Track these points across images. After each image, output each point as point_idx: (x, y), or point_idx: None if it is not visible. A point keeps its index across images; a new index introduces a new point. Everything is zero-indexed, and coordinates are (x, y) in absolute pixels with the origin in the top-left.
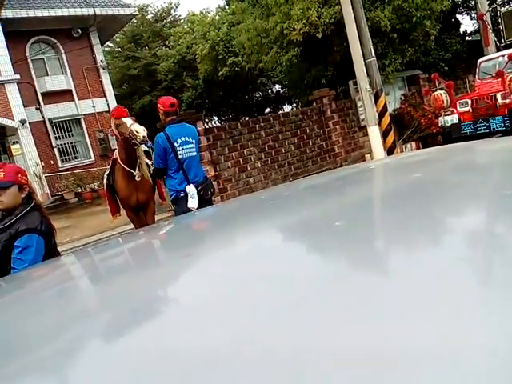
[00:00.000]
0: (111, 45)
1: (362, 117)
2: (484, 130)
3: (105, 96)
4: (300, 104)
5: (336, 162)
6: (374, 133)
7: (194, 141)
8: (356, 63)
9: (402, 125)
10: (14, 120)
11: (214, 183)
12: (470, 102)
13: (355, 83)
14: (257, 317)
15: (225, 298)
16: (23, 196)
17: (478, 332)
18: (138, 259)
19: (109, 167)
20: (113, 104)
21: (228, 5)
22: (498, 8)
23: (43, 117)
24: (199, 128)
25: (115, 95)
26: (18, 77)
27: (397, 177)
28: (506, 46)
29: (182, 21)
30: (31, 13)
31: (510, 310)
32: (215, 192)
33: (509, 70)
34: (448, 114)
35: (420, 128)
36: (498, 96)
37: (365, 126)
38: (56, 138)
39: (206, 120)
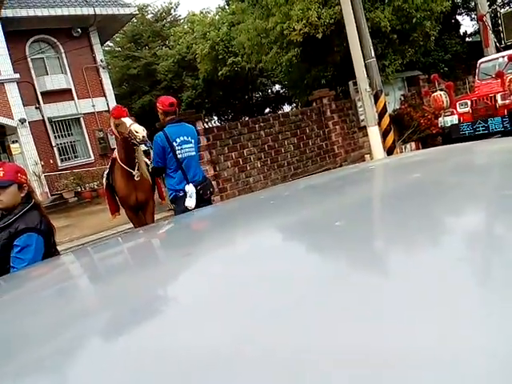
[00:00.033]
0: (111, 44)
1: (361, 117)
2: (482, 130)
3: (104, 95)
4: (300, 104)
5: (336, 162)
6: (374, 133)
7: (192, 140)
8: (356, 64)
9: (402, 125)
10: (13, 119)
11: (214, 183)
12: (469, 102)
13: (355, 84)
14: (256, 316)
15: (224, 297)
16: (23, 195)
17: (477, 333)
18: (138, 258)
19: (108, 167)
20: (112, 103)
21: (228, 5)
22: (498, 9)
23: (43, 116)
24: (199, 128)
25: (115, 95)
26: (17, 76)
27: (396, 177)
28: (506, 47)
29: (181, 21)
30: (31, 12)
31: (509, 310)
32: (215, 192)
33: (509, 71)
34: (448, 115)
35: (420, 128)
36: (498, 97)
37: (364, 127)
38: (55, 137)
39: (206, 120)
